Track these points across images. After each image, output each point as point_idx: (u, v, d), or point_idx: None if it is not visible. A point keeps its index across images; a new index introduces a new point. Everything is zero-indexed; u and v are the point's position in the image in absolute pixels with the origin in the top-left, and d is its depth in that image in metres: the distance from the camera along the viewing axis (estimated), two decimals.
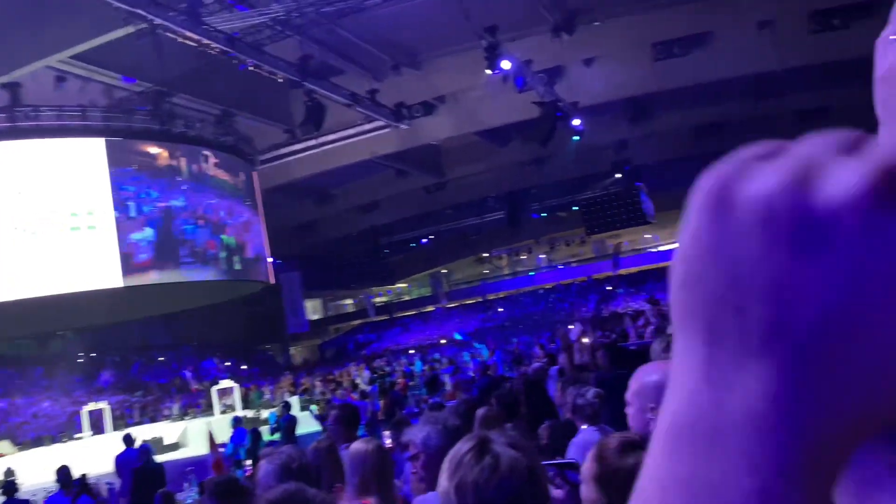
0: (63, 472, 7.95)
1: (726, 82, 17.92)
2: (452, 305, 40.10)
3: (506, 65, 15.14)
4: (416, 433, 2.71)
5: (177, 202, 15.33)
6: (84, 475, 8.69)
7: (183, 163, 15.38)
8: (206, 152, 15.63)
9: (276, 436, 12.26)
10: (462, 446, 1.47)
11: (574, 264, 39.43)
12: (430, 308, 40.69)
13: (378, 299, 44.63)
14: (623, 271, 32.77)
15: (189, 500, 9.16)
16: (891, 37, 0.75)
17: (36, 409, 24.05)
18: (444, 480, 1.46)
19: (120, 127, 14.87)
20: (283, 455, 3.17)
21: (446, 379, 16.67)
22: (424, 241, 38.07)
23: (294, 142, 19.03)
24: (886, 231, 0.25)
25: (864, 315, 0.25)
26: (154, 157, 14.94)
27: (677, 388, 0.28)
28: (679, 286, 0.29)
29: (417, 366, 21.07)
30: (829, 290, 0.25)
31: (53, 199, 13.91)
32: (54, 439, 19.28)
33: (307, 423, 13.98)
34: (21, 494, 8.18)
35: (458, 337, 30.94)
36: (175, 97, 16.13)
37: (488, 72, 15.37)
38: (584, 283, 36.17)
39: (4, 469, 10.91)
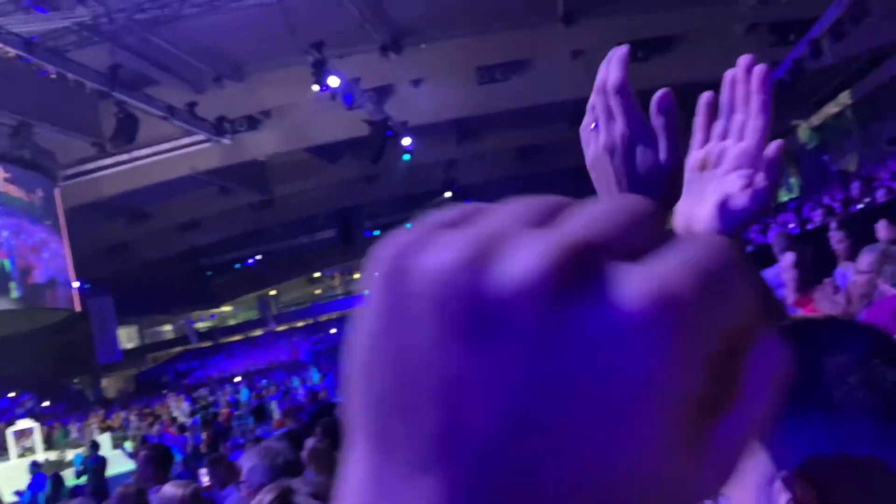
0: None
1: (545, 106, 18.91)
2: (282, 328, 38.92)
3: (333, 81, 14.96)
4: (245, 461, 2.69)
5: None
6: None
7: None
8: None
9: (83, 479, 11.08)
10: (263, 497, 1.46)
11: None
12: (258, 332, 39.22)
13: (200, 324, 42.32)
14: None
15: None
16: (591, 126, 0.83)
17: None
18: None
19: None
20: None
21: (274, 406, 16.03)
22: (251, 261, 36.71)
23: (104, 156, 17.59)
24: (564, 321, 0.20)
25: (543, 419, 0.20)
26: None
27: (347, 501, 0.23)
28: (349, 379, 0.23)
29: (244, 394, 20.09)
30: (504, 391, 0.20)
31: None
32: None
33: (120, 463, 12.79)
34: None
35: (303, 360, 29.93)
36: None
37: (315, 88, 15.11)
38: None
39: None
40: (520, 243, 0.21)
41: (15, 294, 13.54)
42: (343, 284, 43.92)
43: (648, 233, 0.22)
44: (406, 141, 19.22)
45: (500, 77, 17.53)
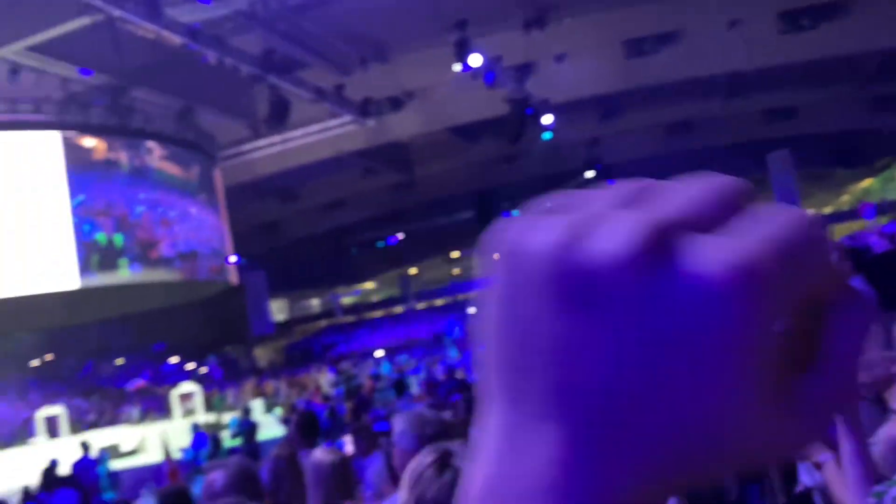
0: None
1: (697, 81, 17.90)
2: (422, 306, 39.79)
3: (475, 60, 14.89)
4: (395, 426, 2.71)
5: (131, 199, 14.73)
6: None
7: (123, 156, 14.76)
8: (151, 144, 15.02)
9: (238, 441, 11.83)
10: (423, 459, 1.40)
11: None
12: (399, 309, 40.32)
13: (345, 300, 44.12)
14: None
15: None
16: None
17: None
18: (403, 492, 1.41)
19: (76, 121, 14.31)
20: (230, 467, 2.93)
21: (414, 381, 16.38)
22: (392, 240, 37.72)
23: (257, 138, 18.57)
24: (655, 288, 0.24)
25: (644, 376, 0.24)
26: (92, 150, 14.33)
27: (482, 453, 0.27)
28: (482, 344, 0.28)
29: (385, 368, 20.71)
30: (608, 349, 0.25)
31: (10, 196, 13.32)
32: (8, 444, 18.58)
33: (270, 428, 13.57)
34: None
35: (449, 337, 30.43)
36: (134, 91, 15.60)
37: (457, 67, 15.11)
38: None
39: None
40: (612, 223, 0.25)
41: (125, 271, 14.45)
42: None
43: (734, 208, 0.26)
44: (547, 119, 18.86)
45: (649, 50, 16.76)
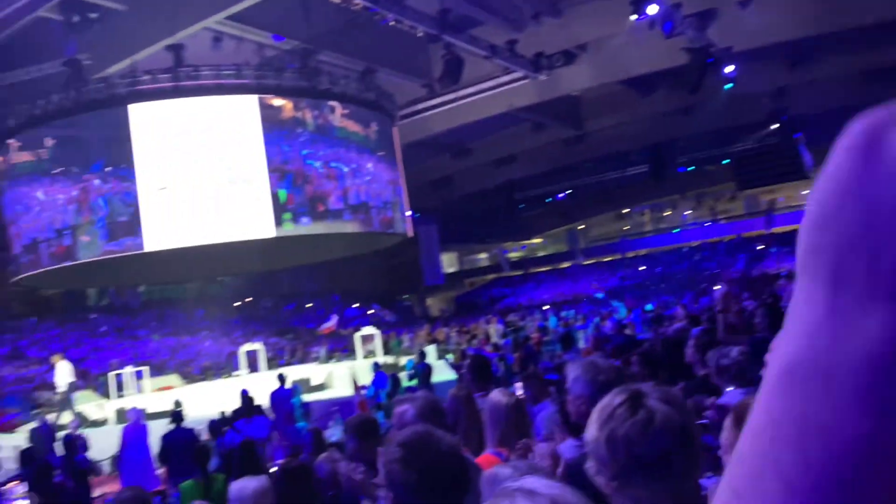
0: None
1: None
2: (589, 262, 39.45)
3: (652, 9, 14.36)
4: (570, 372, 2.74)
5: (309, 154, 15.81)
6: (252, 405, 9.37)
7: (308, 115, 15.80)
8: (333, 103, 15.96)
9: (414, 382, 12.68)
10: (614, 398, 1.42)
11: (723, 221, 37.52)
12: (566, 264, 40.25)
13: (513, 254, 44.64)
14: (777, 230, 30.74)
15: (334, 438, 9.70)
16: None
17: (199, 347, 26.30)
18: (593, 430, 1.42)
19: (271, 84, 15.55)
20: (418, 400, 3.24)
21: (580, 336, 16.52)
22: (561, 195, 37.52)
23: (432, 96, 19.17)
24: None
25: None
26: (281, 109, 15.46)
27: (795, 329, 0.28)
28: (810, 226, 0.28)
29: (552, 321, 20.98)
30: None
31: (214, 154, 14.84)
32: (215, 375, 21.04)
33: (443, 372, 14.36)
34: (186, 424, 8.98)
35: (599, 296, 30.32)
36: (321, 54, 16.64)
37: (633, 17, 14.66)
38: (732, 241, 34.37)
39: (174, 400, 12.02)
40: None
41: (289, 225, 15.32)
42: (652, 221, 42.83)
43: None
44: (729, 68, 17.82)
45: None
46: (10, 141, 14.92)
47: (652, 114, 24.65)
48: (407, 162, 20.29)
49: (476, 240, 40.45)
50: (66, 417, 13.65)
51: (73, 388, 14.32)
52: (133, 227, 14.16)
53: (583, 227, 43.04)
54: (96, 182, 14.29)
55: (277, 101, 15.33)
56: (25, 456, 8.56)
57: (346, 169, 16.08)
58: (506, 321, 23.85)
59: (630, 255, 38.61)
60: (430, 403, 3.27)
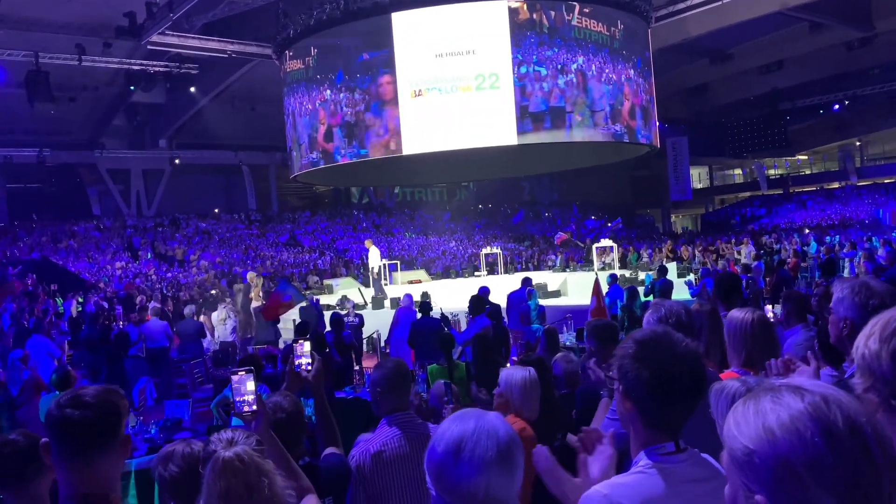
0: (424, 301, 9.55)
1: None
2: (864, 183, 34.94)
3: None
4: (836, 291, 2.49)
5: (547, 58, 15.46)
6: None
7: (543, 16, 15.30)
8: (573, 2, 15.28)
9: (650, 298, 12.42)
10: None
11: None
12: (835, 185, 36.06)
13: (772, 171, 40.89)
14: None
15: (567, 342, 9.96)
16: None
17: (444, 247, 27.99)
18: (871, 343, 1.32)
19: None
20: (665, 307, 3.20)
21: (846, 264, 14.91)
22: (837, 107, 33.27)
23: None
24: None
25: None
26: (518, 11, 15.14)
27: None
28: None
29: (812, 247, 19.12)
30: None
31: (465, 60, 15.20)
32: (458, 273, 22.35)
33: (682, 292, 13.86)
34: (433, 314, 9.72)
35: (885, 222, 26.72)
36: None
37: None
38: None
39: (421, 292, 13.03)
40: None
41: (622, 127, 15.01)
42: None
43: None
44: None
45: None
46: (288, 51, 16.51)
47: None
48: (657, 68, 19.19)
49: (731, 154, 37.56)
50: (336, 297, 15.49)
51: (379, 270, 16.42)
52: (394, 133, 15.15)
53: (859, 143, 37.99)
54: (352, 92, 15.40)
55: (514, 3, 15.10)
56: (300, 328, 9.89)
57: (586, 72, 15.57)
58: (758, 242, 22.21)
59: None
60: (676, 312, 3.18)
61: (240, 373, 2.27)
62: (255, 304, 13.28)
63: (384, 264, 18.27)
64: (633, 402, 1.54)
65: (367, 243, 16.93)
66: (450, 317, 11.04)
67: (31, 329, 11.84)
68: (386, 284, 17.72)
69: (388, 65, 15.06)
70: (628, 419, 1.56)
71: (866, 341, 1.35)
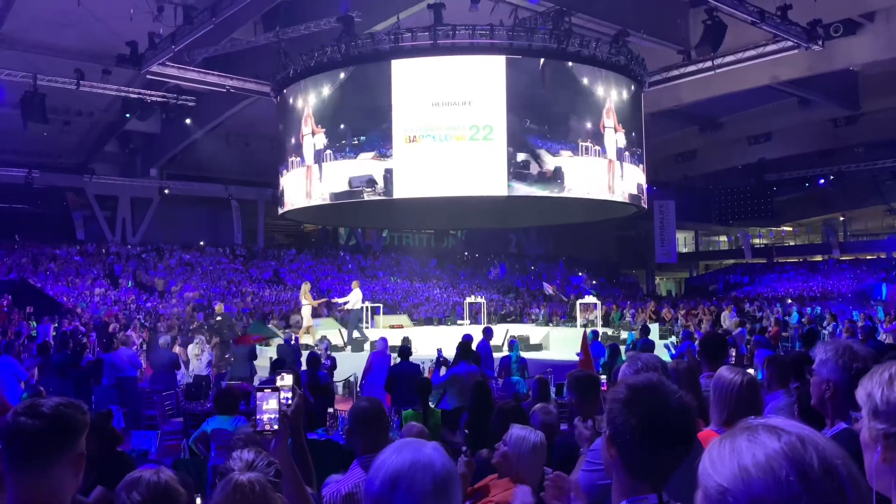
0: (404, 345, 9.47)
1: None
2: (846, 258, 35.41)
3: None
4: (818, 354, 2.49)
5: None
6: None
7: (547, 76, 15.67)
8: (570, 65, 15.67)
9: None
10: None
11: None
12: (818, 257, 36.53)
13: (756, 240, 41.41)
14: None
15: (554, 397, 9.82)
16: None
17: (429, 293, 27.90)
18: (877, 390, 1.36)
19: (521, 46, 15.68)
20: (642, 360, 3.15)
21: (826, 337, 14.98)
22: (822, 181, 33.91)
23: (687, 63, 18.15)
24: None
25: None
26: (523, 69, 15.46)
27: None
28: None
29: (794, 317, 19.24)
30: None
31: (461, 110, 15.41)
32: (440, 321, 22.24)
33: (663, 354, 13.82)
34: (412, 360, 9.61)
35: (876, 296, 26.83)
36: (574, 16, 16.42)
37: None
38: None
39: (402, 337, 12.90)
40: None
41: (521, 185, 15.22)
42: None
43: None
44: None
45: None
46: (286, 90, 16.68)
47: None
48: (648, 132, 19.56)
49: (717, 220, 38.05)
50: (312, 339, 15.30)
51: (354, 311, 16.28)
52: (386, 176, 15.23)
53: (843, 218, 38.65)
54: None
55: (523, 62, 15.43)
56: (276, 364, 9.75)
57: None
58: (740, 309, 22.32)
59: None
60: (653, 366, 3.14)
61: (265, 389, 2.33)
62: (305, 305, 15.64)
63: (366, 307, 18.14)
64: (617, 447, 1.49)
65: (354, 284, 16.83)
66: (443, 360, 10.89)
67: (0, 350, 11.57)
68: (367, 327, 17.57)
69: (385, 113, 15.24)
70: (611, 466, 1.51)
71: (866, 387, 1.38)
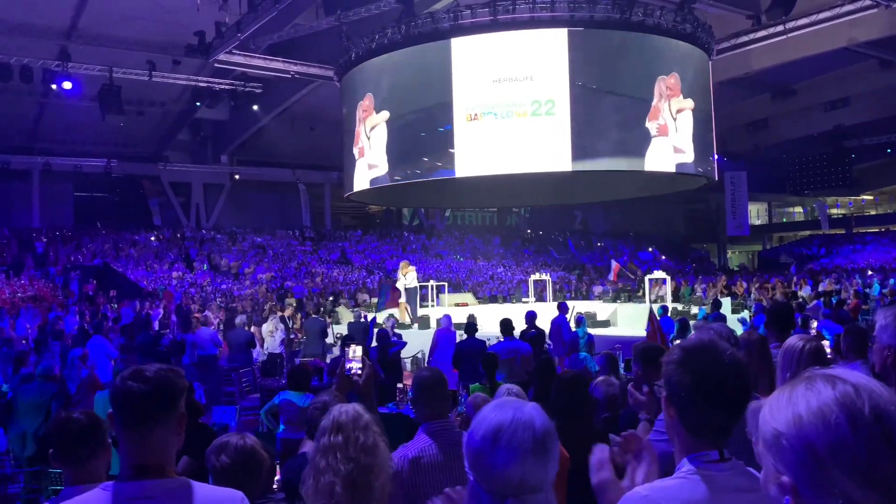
0: (505, 324, 9.39)
1: None
2: None
3: None
4: (879, 319, 2.47)
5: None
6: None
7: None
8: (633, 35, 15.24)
9: None
10: None
11: None
12: None
13: (834, 210, 39.77)
14: None
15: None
16: None
17: (493, 272, 27.94)
18: None
19: (583, 17, 15.41)
20: (714, 330, 3.18)
21: None
22: None
23: (758, 29, 17.49)
24: None
25: None
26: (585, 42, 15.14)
27: None
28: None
29: (875, 289, 18.48)
30: None
31: (522, 86, 15.30)
32: (505, 299, 22.27)
33: (736, 328, 13.52)
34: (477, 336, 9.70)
35: None
36: None
37: None
38: None
39: (468, 314, 13.01)
40: None
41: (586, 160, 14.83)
42: None
43: None
44: None
45: None
46: (348, 73, 16.87)
47: None
48: (719, 101, 18.97)
49: (791, 191, 36.68)
50: (403, 315, 15.53)
51: (411, 289, 16.29)
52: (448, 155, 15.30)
53: None
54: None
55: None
56: (345, 341, 10.00)
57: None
58: (816, 281, 21.56)
59: None
60: (725, 336, 3.15)
61: (352, 345, 3.05)
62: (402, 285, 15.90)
63: (432, 285, 18.31)
64: (675, 408, 1.53)
65: (402, 265, 16.65)
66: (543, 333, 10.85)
67: (91, 331, 12.26)
68: (432, 306, 17.75)
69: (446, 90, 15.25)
70: (672, 426, 1.55)
71: None
